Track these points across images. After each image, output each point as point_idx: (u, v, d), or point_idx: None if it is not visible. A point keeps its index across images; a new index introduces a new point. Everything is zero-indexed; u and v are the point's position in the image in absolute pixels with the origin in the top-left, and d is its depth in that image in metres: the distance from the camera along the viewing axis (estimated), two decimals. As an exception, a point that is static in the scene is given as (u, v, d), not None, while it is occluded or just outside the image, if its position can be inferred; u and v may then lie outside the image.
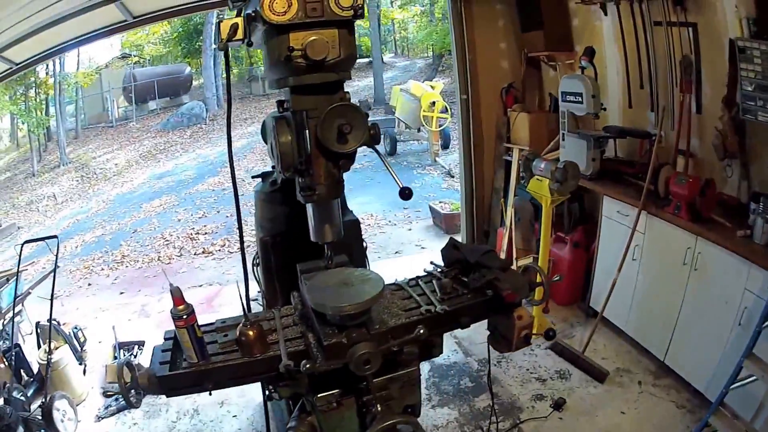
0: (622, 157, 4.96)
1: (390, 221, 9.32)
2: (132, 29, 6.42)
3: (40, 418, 4.23)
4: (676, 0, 4.12)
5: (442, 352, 2.29)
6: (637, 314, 4.43)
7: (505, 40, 6.18)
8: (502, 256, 5.86)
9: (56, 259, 5.11)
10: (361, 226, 8.73)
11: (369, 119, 1.97)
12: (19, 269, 5.29)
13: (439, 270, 2.43)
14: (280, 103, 2.03)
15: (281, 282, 2.80)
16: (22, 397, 4.57)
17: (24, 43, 5.42)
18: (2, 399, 4.56)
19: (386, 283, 2.30)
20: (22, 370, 5.16)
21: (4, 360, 4.95)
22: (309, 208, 2.17)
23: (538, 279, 2.31)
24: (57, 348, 5.17)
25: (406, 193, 1.97)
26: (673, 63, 4.32)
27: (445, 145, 13.19)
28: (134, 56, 26.48)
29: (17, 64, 6.04)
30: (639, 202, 4.14)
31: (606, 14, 4.91)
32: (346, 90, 1.98)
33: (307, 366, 1.78)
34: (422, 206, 9.45)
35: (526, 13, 5.79)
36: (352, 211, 3.09)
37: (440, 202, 8.59)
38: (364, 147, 1.97)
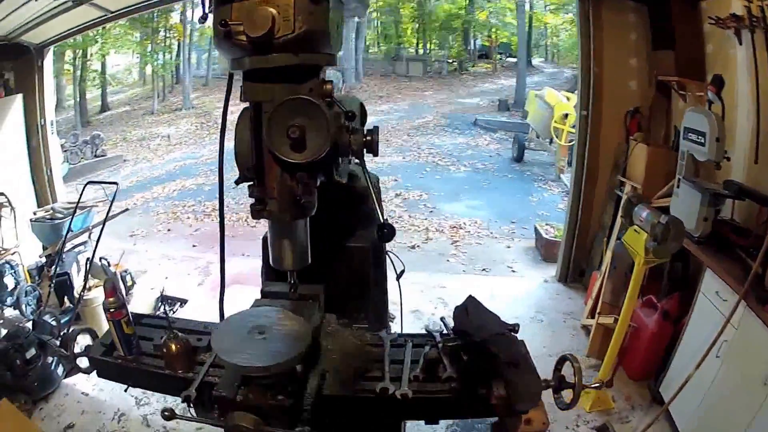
0: (738, 222, 4.06)
1: (492, 233, 8.60)
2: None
3: (58, 345, 4.29)
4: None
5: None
6: (701, 420, 3.59)
7: (636, 57, 5.39)
8: (589, 304, 5.21)
9: (111, 204, 5.17)
10: (460, 231, 8.27)
11: (360, 123, 1.67)
12: (78, 205, 5.43)
13: (443, 333, 1.96)
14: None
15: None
16: (53, 322, 4.79)
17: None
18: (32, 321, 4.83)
19: (382, 333, 1.97)
20: (66, 297, 5.46)
21: (51, 284, 5.15)
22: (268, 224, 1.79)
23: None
24: (98, 286, 5.25)
25: (384, 232, 1.56)
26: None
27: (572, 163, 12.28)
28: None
29: (111, 12, 6.13)
30: (742, 288, 3.32)
31: (741, 43, 4.06)
32: (328, 79, 1.55)
33: (165, 414, 1.56)
34: (532, 224, 8.75)
35: (658, 29, 5.01)
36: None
37: (547, 224, 7.88)
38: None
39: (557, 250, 6.60)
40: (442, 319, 2.01)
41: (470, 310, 1.88)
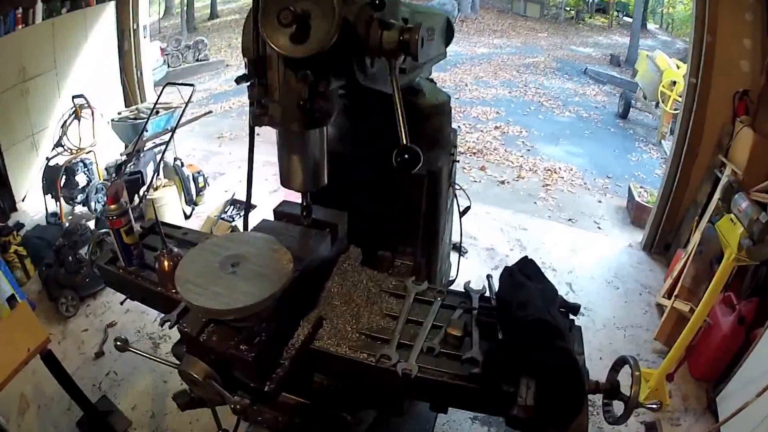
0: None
1: (585, 183, 7.89)
2: None
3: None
4: None
5: (401, 415, 1.51)
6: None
7: (750, 38, 4.76)
8: (668, 282, 4.66)
9: (186, 105, 5.07)
10: (554, 176, 7.79)
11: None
12: (156, 106, 5.24)
13: (484, 296, 1.56)
14: None
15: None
16: None
17: None
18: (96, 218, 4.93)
19: (408, 281, 1.59)
20: (137, 196, 5.31)
21: (123, 181, 5.07)
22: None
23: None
24: (164, 186, 5.24)
25: (404, 158, 1.20)
26: None
27: (675, 131, 11.40)
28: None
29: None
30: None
31: None
32: None
33: (118, 344, 1.43)
34: (627, 183, 8.01)
35: (771, 12, 4.30)
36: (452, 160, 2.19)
37: (641, 187, 7.25)
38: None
39: (647, 216, 6.01)
40: (488, 277, 1.60)
41: (517, 277, 1.45)
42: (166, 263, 1.61)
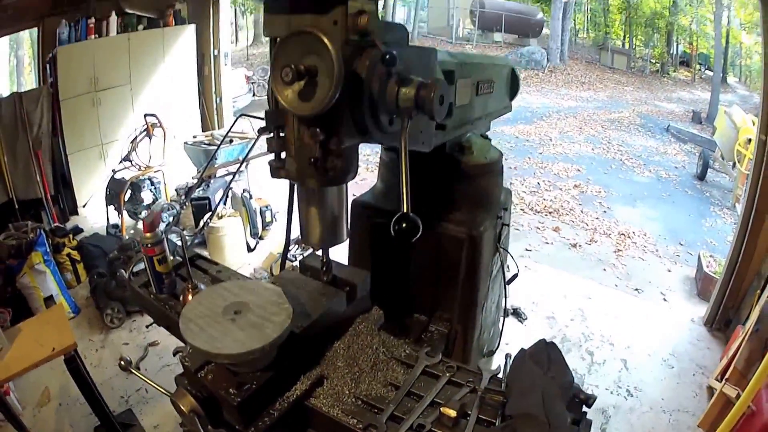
0: None
1: (657, 250, 7.70)
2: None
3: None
4: None
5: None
6: None
7: None
8: (723, 363, 4.25)
9: (257, 138, 5.01)
10: (627, 241, 7.75)
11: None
12: (227, 135, 5.52)
13: (495, 376, 1.45)
14: None
15: (363, 259, 1.99)
16: (178, 241, 4.78)
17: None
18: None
19: (421, 352, 1.52)
20: (201, 221, 5.47)
21: (183, 205, 5.32)
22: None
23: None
24: (230, 216, 5.29)
25: (402, 227, 1.14)
26: None
27: (744, 195, 10.78)
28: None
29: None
30: None
31: None
32: (365, 10, 1.11)
33: (121, 364, 1.49)
34: (699, 250, 7.68)
35: None
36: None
37: (711, 256, 6.84)
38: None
39: (713, 288, 5.63)
40: (507, 356, 1.49)
41: (526, 363, 1.36)
42: (190, 298, 1.64)
